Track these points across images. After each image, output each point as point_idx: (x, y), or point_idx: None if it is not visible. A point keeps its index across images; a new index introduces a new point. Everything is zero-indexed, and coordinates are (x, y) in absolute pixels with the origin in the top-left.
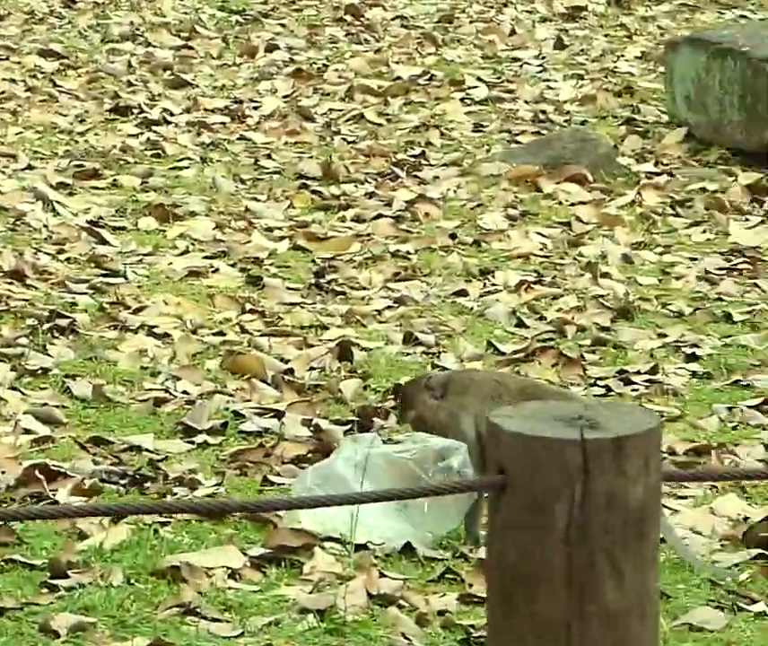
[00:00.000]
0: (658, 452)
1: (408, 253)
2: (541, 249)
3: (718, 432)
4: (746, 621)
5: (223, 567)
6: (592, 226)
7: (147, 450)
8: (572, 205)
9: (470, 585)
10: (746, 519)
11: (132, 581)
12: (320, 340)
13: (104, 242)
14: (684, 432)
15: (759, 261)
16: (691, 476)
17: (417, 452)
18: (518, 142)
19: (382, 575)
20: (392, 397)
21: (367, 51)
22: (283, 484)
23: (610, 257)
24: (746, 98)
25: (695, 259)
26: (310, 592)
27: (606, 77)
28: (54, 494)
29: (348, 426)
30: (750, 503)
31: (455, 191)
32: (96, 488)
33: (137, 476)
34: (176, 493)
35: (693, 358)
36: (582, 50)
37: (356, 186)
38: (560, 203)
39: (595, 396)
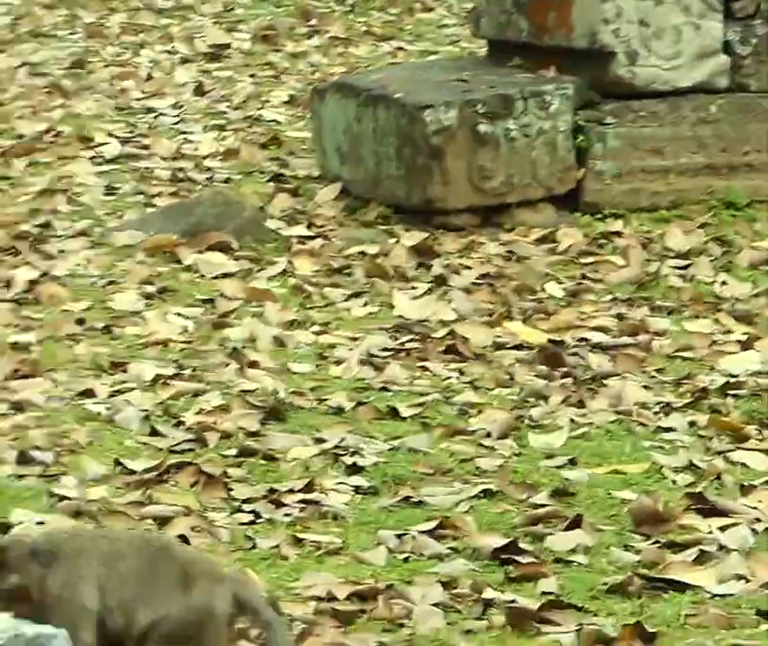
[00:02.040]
0: None
1: (30, 344)
2: (181, 333)
3: (387, 568)
4: None
5: None
6: (239, 303)
7: None
8: (216, 278)
9: None
10: None
11: None
12: None
13: None
14: (346, 567)
15: (428, 338)
16: None
17: (6, 641)
18: (154, 205)
19: None
20: None
21: None
22: None
23: (260, 342)
24: (404, 149)
25: (357, 339)
26: None
27: (250, 127)
28: None
29: None
30: None
31: (85, 266)
32: None
33: None
34: None
35: (355, 469)
36: (224, 96)
37: None
38: (202, 276)
39: (241, 524)
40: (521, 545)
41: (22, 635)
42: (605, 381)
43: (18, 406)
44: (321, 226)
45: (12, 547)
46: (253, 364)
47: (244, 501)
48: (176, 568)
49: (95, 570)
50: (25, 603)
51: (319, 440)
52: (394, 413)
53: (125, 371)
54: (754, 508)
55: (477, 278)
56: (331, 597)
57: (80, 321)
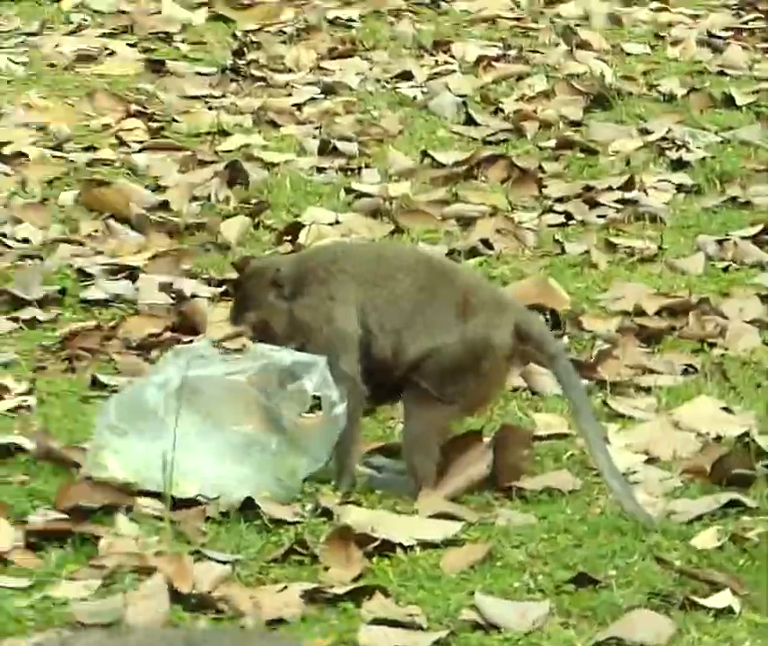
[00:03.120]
0: None
1: (351, 21)
2: (512, 10)
3: (703, 278)
4: (700, 626)
5: None
6: None
7: None
8: None
9: (326, 568)
10: (718, 438)
11: None
12: (216, 153)
13: None
14: (659, 278)
15: None
16: None
17: (257, 371)
18: None
19: (200, 558)
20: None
21: None
22: (117, 386)
23: (594, 19)
24: None
25: (698, 17)
26: (99, 588)
27: None
28: None
29: (222, 288)
30: (735, 398)
31: None
32: None
33: None
34: None
35: (679, 165)
36: None
37: None
38: None
39: (550, 225)
40: None
41: (278, 363)
42: None
43: (329, 90)
44: None
45: (250, 277)
46: (584, 45)
47: (557, 200)
48: (455, 294)
49: (356, 292)
50: (267, 337)
51: (645, 132)
52: (728, 101)
53: (447, 52)
54: None
55: None
56: (639, 312)
57: None
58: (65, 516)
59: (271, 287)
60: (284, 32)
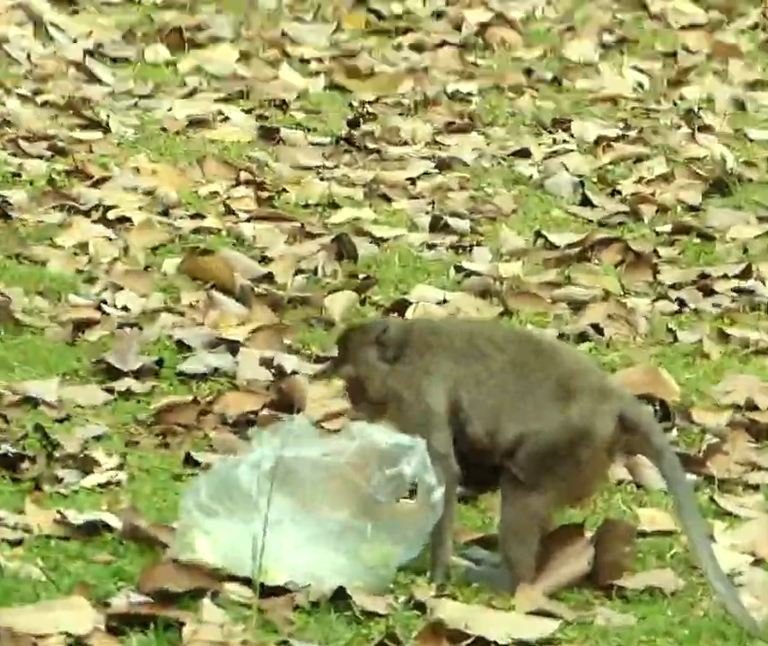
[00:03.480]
0: None
1: (470, 95)
2: (635, 90)
3: None
4: None
5: (64, 633)
6: (702, 58)
7: (46, 403)
8: (683, 28)
9: None
10: None
11: None
12: (325, 225)
13: (95, 80)
14: None
15: None
16: None
17: (355, 453)
18: None
19: None
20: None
21: None
22: (210, 464)
23: (718, 103)
24: None
25: None
26: None
27: None
28: None
29: (324, 364)
30: None
31: (543, 9)
32: None
33: (10, 454)
34: (60, 479)
35: None
36: None
37: (424, 2)
38: (668, 26)
39: (663, 313)
40: None
41: (375, 445)
42: None
43: (443, 165)
44: None
45: (356, 331)
46: (706, 128)
47: (671, 287)
48: (556, 377)
49: (452, 368)
50: (358, 396)
51: (764, 219)
52: None
53: (566, 130)
54: None
55: None
56: (750, 406)
57: (528, 71)
58: (149, 599)
59: (375, 345)
60: (402, 104)
